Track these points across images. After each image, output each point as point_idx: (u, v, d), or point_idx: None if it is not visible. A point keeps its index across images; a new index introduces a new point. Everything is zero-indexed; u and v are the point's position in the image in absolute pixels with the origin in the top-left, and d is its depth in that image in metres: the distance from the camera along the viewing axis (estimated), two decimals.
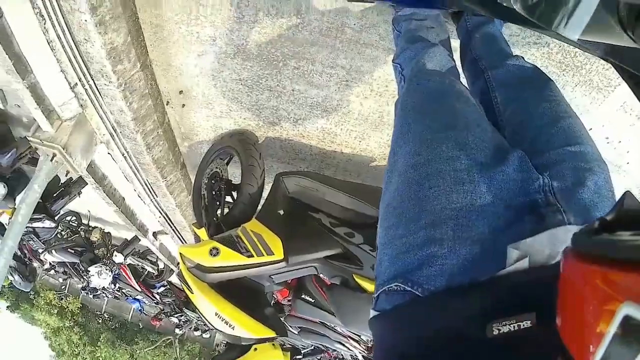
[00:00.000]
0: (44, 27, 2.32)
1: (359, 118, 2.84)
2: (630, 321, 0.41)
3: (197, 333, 14.59)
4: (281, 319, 3.17)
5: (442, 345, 0.73)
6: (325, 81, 2.63)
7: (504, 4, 0.79)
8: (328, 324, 3.26)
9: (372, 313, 0.88)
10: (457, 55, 1.72)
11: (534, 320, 0.65)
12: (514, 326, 0.66)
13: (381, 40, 2.31)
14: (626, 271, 0.44)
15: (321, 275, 2.59)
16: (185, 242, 5.51)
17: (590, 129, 2.52)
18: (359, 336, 3.47)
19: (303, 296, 2.98)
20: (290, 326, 3.48)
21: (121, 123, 2.91)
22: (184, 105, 3.10)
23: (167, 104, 3.10)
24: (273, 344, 2.74)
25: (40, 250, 7.05)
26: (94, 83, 2.61)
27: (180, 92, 2.97)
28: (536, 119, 1.12)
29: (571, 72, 2.31)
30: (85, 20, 2.12)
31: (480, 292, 0.74)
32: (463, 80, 1.44)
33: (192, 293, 2.42)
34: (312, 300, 2.95)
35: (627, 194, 0.56)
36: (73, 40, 2.37)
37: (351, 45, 2.38)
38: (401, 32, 1.70)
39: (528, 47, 2.22)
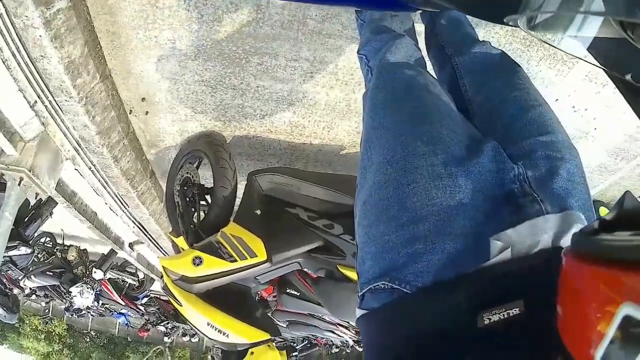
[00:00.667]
0: None
1: (326, 108, 2.80)
2: (631, 321, 0.41)
3: (186, 338, 14.48)
4: (268, 314, 3.13)
5: (434, 340, 0.74)
6: (289, 75, 2.57)
7: (510, 24, 0.83)
8: (316, 314, 3.24)
9: (359, 312, 0.88)
10: (421, 40, 1.70)
11: (522, 308, 0.68)
12: (503, 314, 0.68)
13: (344, 29, 2.26)
14: (626, 272, 0.44)
15: (305, 270, 2.55)
16: (163, 249, 5.42)
17: (557, 99, 2.59)
18: (348, 322, 3.46)
19: (288, 291, 2.95)
20: (279, 320, 3.44)
21: (86, 138, 2.79)
22: (147, 112, 2.99)
23: (130, 113, 2.98)
24: (268, 345, 2.70)
25: (19, 278, 6.83)
26: (54, 99, 2.48)
27: (143, 99, 2.86)
28: (507, 108, 1.12)
29: (535, 47, 2.34)
30: (40, 36, 1.99)
31: (466, 284, 0.75)
32: (430, 68, 1.42)
33: (181, 305, 2.36)
34: (298, 294, 2.93)
35: (627, 194, 0.56)
36: (29, 57, 2.24)
37: (314, 37, 2.32)
38: (365, 21, 1.66)
39: (492, 27, 2.22)
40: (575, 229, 0.78)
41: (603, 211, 3.35)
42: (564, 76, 2.47)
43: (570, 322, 0.55)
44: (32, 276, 6.74)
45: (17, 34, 2.12)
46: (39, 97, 2.49)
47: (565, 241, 0.77)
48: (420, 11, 1.85)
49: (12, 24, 2.07)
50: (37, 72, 2.32)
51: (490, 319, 0.68)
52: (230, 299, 2.44)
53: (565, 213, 0.82)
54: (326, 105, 2.77)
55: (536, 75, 2.48)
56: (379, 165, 0.95)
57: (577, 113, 2.70)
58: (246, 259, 2.30)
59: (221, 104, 2.88)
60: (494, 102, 1.17)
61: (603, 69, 0.86)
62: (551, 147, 0.96)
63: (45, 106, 2.57)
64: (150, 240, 5.11)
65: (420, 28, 1.78)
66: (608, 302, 0.45)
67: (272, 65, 2.52)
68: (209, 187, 2.91)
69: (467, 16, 1.71)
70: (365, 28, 1.62)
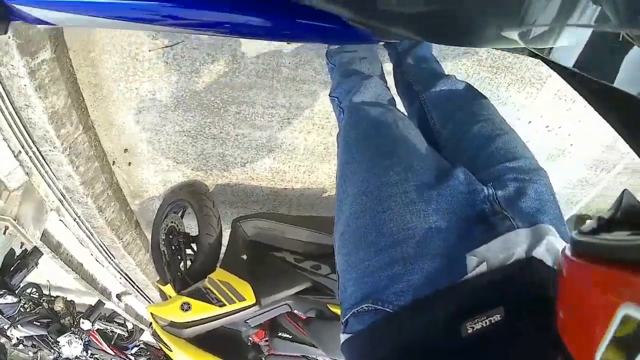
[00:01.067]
0: None
1: (305, 153, 2.82)
2: (630, 321, 0.40)
3: None
4: (262, 359, 3.06)
5: (420, 355, 0.74)
6: (267, 122, 2.59)
7: (506, 37, 0.84)
8: (310, 355, 3.17)
9: (344, 337, 0.87)
10: (390, 79, 1.74)
11: (502, 314, 0.69)
12: (485, 322, 0.68)
13: (317, 74, 2.31)
14: (625, 271, 0.43)
15: (295, 311, 2.51)
16: (150, 299, 5.32)
17: (530, 121, 2.65)
18: None
19: (280, 334, 2.88)
20: None
21: (70, 188, 2.77)
22: (130, 163, 2.98)
23: (113, 164, 2.97)
24: None
25: (6, 327, 6.66)
26: (38, 150, 2.49)
27: (125, 150, 2.86)
28: (473, 139, 1.16)
29: (503, 73, 2.40)
30: (25, 85, 2.03)
31: (446, 298, 0.76)
32: (400, 105, 1.45)
33: (171, 351, 2.32)
34: (290, 336, 2.87)
35: (626, 193, 0.55)
36: (13, 107, 2.24)
37: (288, 84, 2.36)
38: (335, 65, 1.71)
39: (459, 59, 2.29)
40: (547, 240, 0.80)
41: None
42: (533, 98, 2.53)
43: (569, 322, 0.55)
44: (18, 325, 6.58)
45: (1, 83, 2.12)
46: (22, 147, 2.48)
47: (538, 252, 0.78)
48: (387, 51, 1.90)
49: None
50: (21, 122, 2.32)
51: (473, 328, 0.68)
52: (220, 342, 2.41)
53: (535, 227, 0.84)
54: (305, 149, 2.79)
55: (507, 100, 2.53)
56: (355, 197, 0.97)
57: (552, 132, 2.75)
58: (235, 302, 2.28)
59: (202, 154, 2.88)
60: (461, 134, 1.20)
61: (573, 71, 0.86)
62: (519, 171, 0.99)
63: (29, 156, 2.55)
64: (138, 290, 5.02)
65: (389, 68, 1.84)
66: (608, 302, 0.44)
67: (250, 113, 2.54)
68: (194, 235, 2.89)
69: (433, 53, 1.80)
70: (335, 72, 1.66)
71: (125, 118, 2.60)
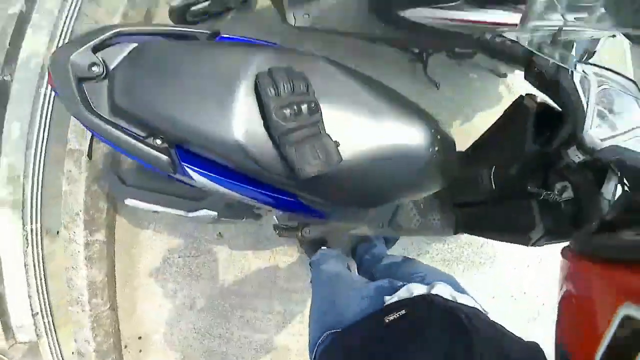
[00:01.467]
0: (25, 250, 2.61)
1: (297, 354, 3.06)
2: (630, 321, 0.41)
3: None
4: None
5: (359, 347, 1.03)
6: (265, 325, 2.95)
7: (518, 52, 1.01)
8: None
9: None
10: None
11: (407, 309, 1.01)
12: (397, 314, 1.01)
13: (304, 284, 2.79)
14: (625, 271, 0.45)
15: None
16: None
17: (493, 297, 2.83)
18: None
19: None
20: None
21: (83, 353, 2.95)
22: (140, 350, 3.19)
23: (125, 347, 3.19)
24: None
25: None
26: (53, 321, 2.78)
27: (140, 337, 3.13)
28: (400, 274, 1.67)
29: (454, 263, 2.77)
30: (78, 252, 2.54)
31: (372, 317, 1.09)
32: None
33: None
34: None
35: (625, 194, 0.60)
36: (44, 273, 2.66)
37: (283, 293, 2.83)
38: (314, 269, 2.25)
39: (414, 258, 2.66)
40: (441, 284, 1.18)
41: None
42: (488, 275, 2.77)
43: (570, 322, 0.55)
44: None
45: (41, 249, 2.61)
46: (41, 311, 2.76)
47: (435, 291, 1.13)
48: (354, 260, 2.55)
49: (41, 242, 2.60)
50: (47, 290, 2.70)
51: (390, 319, 0.99)
52: None
53: (432, 283, 1.19)
54: (297, 351, 3.04)
55: (465, 286, 2.65)
56: (319, 302, 1.44)
57: (518, 300, 2.85)
58: None
59: (208, 351, 3.11)
60: (390, 275, 1.67)
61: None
62: (428, 275, 1.46)
63: (44, 322, 2.79)
64: None
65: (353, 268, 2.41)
66: (608, 302, 0.44)
67: (252, 318, 2.92)
68: None
69: (385, 252, 2.44)
70: (313, 271, 2.19)
71: (147, 309, 2.99)
